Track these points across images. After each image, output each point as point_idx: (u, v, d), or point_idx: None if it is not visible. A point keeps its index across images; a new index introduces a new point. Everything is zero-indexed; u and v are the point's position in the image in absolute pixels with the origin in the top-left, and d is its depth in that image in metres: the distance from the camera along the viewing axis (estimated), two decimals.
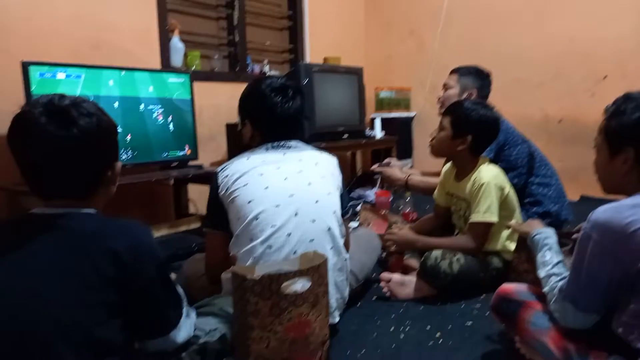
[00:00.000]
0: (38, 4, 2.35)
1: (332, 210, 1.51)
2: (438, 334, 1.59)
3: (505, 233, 1.92)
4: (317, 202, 1.48)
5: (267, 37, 3.74)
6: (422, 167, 3.41)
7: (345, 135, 3.51)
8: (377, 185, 3.11)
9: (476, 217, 1.86)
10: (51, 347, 0.90)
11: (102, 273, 0.94)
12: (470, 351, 1.48)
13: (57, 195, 1.02)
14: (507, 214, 1.91)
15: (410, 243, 1.99)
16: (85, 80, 2.20)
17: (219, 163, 1.98)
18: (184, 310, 1.13)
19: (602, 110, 1.21)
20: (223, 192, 1.49)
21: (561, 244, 1.38)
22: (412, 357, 1.47)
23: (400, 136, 3.98)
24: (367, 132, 3.79)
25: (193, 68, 3.03)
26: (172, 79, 2.57)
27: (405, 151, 4.10)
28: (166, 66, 2.89)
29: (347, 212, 1.66)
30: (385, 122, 3.89)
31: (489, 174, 1.88)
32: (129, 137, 2.35)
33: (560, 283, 1.20)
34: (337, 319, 1.55)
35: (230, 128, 3.00)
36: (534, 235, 1.41)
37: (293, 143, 1.59)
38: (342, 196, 1.59)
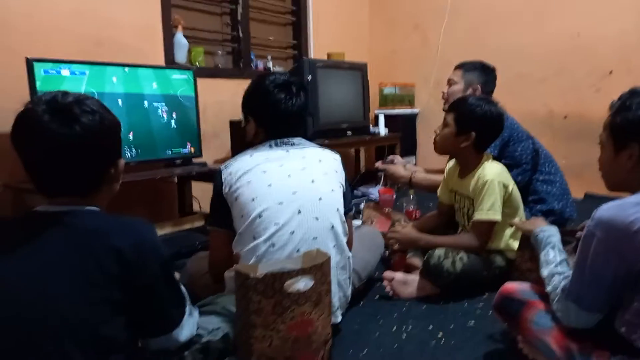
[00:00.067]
0: (38, 0, 2.34)
1: (335, 208, 1.51)
2: (440, 334, 1.59)
3: (509, 231, 1.91)
4: (320, 199, 1.48)
5: (270, 32, 3.73)
6: (425, 164, 3.40)
7: (349, 132, 3.49)
8: (381, 182, 3.10)
9: (479, 215, 1.85)
10: (59, 344, 0.90)
11: (106, 270, 0.95)
12: (472, 351, 1.48)
13: (61, 193, 1.02)
14: (511, 212, 1.90)
15: (413, 241, 1.99)
16: (89, 77, 2.19)
17: (223, 160, 1.97)
18: (187, 308, 1.13)
19: (607, 106, 1.20)
20: (226, 189, 1.49)
21: (565, 242, 1.37)
22: (414, 357, 1.47)
23: (404, 133, 3.96)
24: (371, 129, 3.77)
25: (196, 64, 3.03)
26: (176, 76, 2.55)
27: (409, 148, 4.09)
28: (170, 62, 2.88)
29: (350, 209, 1.66)
30: (389, 119, 3.87)
31: (492, 171, 1.87)
32: (132, 135, 2.35)
33: (564, 282, 1.19)
34: (339, 318, 1.55)
35: (234, 125, 3.00)
36: (537, 234, 1.40)
37: (296, 140, 1.59)
38: (345, 194, 1.59)
